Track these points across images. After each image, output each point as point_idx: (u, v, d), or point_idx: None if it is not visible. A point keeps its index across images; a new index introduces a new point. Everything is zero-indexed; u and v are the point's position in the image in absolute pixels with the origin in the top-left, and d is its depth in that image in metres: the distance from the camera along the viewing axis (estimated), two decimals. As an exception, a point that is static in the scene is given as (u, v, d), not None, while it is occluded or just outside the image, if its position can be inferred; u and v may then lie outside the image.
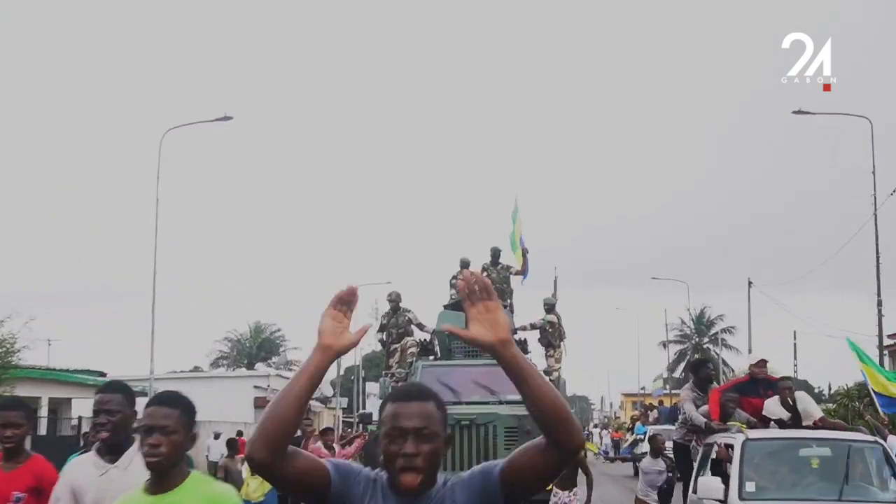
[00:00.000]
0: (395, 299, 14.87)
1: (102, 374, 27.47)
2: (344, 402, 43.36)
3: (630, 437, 30.01)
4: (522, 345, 14.10)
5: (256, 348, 56.18)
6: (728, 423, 8.48)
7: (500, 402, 11.73)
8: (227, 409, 30.71)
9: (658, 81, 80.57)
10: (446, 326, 2.59)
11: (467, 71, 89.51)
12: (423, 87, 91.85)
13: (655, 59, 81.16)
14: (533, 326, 14.96)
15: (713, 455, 8.21)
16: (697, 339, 55.72)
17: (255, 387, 37.68)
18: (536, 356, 14.68)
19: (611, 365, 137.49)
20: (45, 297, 58.89)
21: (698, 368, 10.58)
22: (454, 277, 15.53)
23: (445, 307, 14.42)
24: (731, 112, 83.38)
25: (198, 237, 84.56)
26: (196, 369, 51.05)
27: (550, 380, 14.19)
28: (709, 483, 7.56)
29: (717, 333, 53.39)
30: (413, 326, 14.89)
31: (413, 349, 14.37)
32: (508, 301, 15.32)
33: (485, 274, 15.00)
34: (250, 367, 51.44)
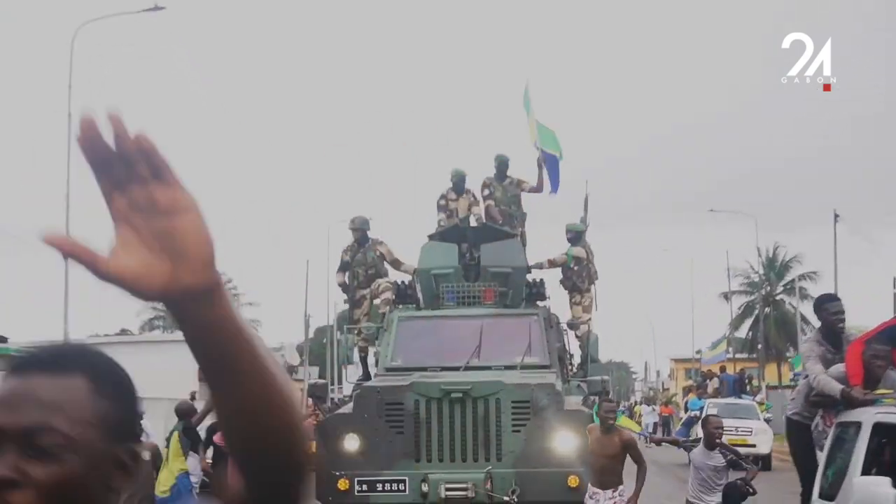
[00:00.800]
0: (359, 227, 13.60)
1: (3, 340, 27.04)
2: (314, 371, 42.82)
3: (683, 415, 29.10)
4: (538, 287, 12.81)
5: None
6: (878, 392, 7.14)
7: (506, 368, 10.88)
8: (165, 381, 28.56)
9: None
10: None
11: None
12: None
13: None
14: (552, 264, 13.79)
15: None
16: (769, 289, 54.97)
17: None
18: (557, 304, 13.47)
19: (657, 323, 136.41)
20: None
21: (824, 306, 8.55)
22: (442, 198, 14.24)
23: (431, 237, 13.15)
24: None
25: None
26: (124, 332, 50.73)
27: (577, 334, 13.06)
28: (876, 489, 6.09)
29: (793, 281, 52.29)
30: (386, 264, 13.72)
31: (387, 295, 13.17)
32: (519, 229, 14.14)
33: (486, 192, 13.78)
34: None
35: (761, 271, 54.57)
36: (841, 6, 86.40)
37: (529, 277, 12.90)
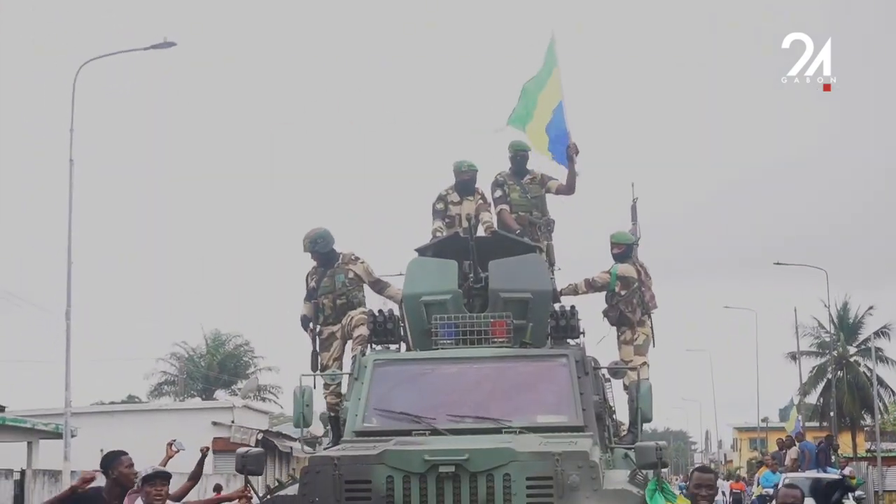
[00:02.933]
0: (316, 247, 10.48)
1: (0, 409, 26.83)
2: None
3: (755, 490, 25.42)
4: (569, 319, 9.50)
5: (216, 369, 54.12)
6: None
7: (521, 430, 8.23)
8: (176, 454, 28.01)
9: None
10: None
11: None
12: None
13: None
14: (591, 286, 10.64)
15: None
16: (841, 348, 51.35)
17: (214, 423, 36.29)
18: (598, 344, 10.34)
19: (719, 388, 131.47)
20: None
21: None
22: (440, 200, 11.22)
23: (420, 251, 10.10)
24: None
25: (130, 214, 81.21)
26: (131, 399, 50.98)
27: (624, 384, 10.17)
28: None
29: (868, 339, 49.09)
30: (362, 290, 10.61)
31: (361, 330, 10.01)
32: (544, 242, 10.99)
33: (499, 192, 10.70)
34: (207, 395, 50.54)
35: (833, 328, 51.25)
36: (841, 6, 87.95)
37: (557, 306, 9.76)
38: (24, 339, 69.30)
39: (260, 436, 35.80)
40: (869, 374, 46.13)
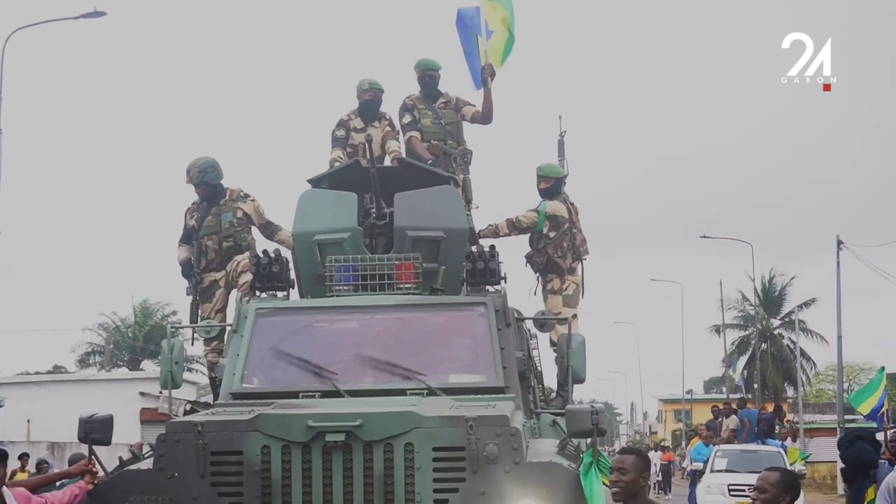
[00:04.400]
0: (202, 178, 9.13)
1: None
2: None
3: (687, 464, 24.24)
4: (488, 261, 8.08)
5: (143, 339, 52.49)
6: None
7: (429, 392, 7.03)
8: None
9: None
10: None
11: None
12: None
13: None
14: (513, 226, 9.29)
15: None
16: (765, 322, 51.36)
17: (142, 393, 35.57)
18: (519, 292, 8.93)
19: (644, 360, 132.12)
20: None
21: None
22: (340, 126, 9.78)
23: (313, 182, 8.62)
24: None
25: (57, 180, 79.48)
26: (57, 369, 49.52)
27: (552, 339, 8.83)
28: None
29: (792, 312, 48.97)
30: (250, 232, 9.29)
31: (248, 277, 8.56)
32: (461, 176, 9.50)
33: (408, 118, 9.40)
34: (135, 365, 49.92)
35: (757, 301, 51.14)
36: (841, 6, 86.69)
37: (475, 248, 8.28)
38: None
39: (188, 406, 34.69)
40: (792, 347, 45.74)
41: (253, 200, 9.21)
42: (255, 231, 9.31)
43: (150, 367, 45.43)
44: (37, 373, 43.97)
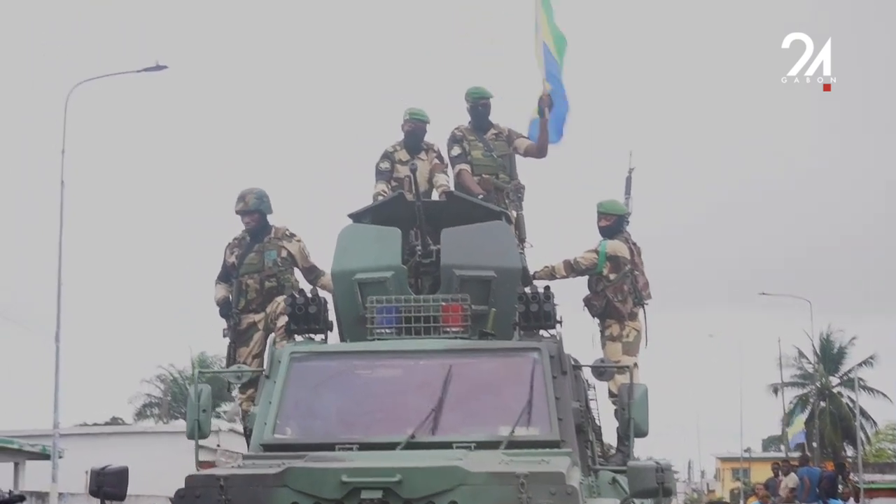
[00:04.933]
0: (253, 207, 8.70)
1: None
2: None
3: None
4: (542, 304, 7.47)
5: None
6: None
7: (478, 445, 6.45)
8: (158, 476, 25.86)
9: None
10: None
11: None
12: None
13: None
14: (570, 268, 8.63)
15: None
16: (824, 379, 50.89)
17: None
18: (576, 338, 8.19)
19: (701, 417, 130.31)
20: None
21: None
22: (385, 158, 9.28)
23: (354, 217, 8.10)
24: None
25: (118, 231, 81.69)
26: (115, 421, 49.71)
27: (611, 390, 8.31)
28: None
29: (851, 370, 48.43)
30: (293, 273, 8.84)
31: (283, 318, 8.11)
32: (514, 212, 8.97)
33: (456, 150, 8.93)
34: None
35: (815, 359, 51.23)
36: (841, 6, 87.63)
37: (528, 290, 7.65)
38: (10, 360, 69.01)
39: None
40: (851, 406, 45.12)
41: (299, 241, 8.79)
42: (297, 274, 8.87)
43: (207, 421, 45.80)
44: (95, 424, 44.44)
